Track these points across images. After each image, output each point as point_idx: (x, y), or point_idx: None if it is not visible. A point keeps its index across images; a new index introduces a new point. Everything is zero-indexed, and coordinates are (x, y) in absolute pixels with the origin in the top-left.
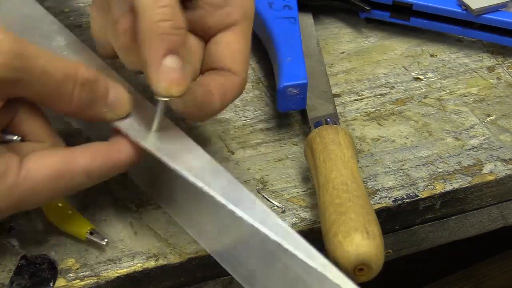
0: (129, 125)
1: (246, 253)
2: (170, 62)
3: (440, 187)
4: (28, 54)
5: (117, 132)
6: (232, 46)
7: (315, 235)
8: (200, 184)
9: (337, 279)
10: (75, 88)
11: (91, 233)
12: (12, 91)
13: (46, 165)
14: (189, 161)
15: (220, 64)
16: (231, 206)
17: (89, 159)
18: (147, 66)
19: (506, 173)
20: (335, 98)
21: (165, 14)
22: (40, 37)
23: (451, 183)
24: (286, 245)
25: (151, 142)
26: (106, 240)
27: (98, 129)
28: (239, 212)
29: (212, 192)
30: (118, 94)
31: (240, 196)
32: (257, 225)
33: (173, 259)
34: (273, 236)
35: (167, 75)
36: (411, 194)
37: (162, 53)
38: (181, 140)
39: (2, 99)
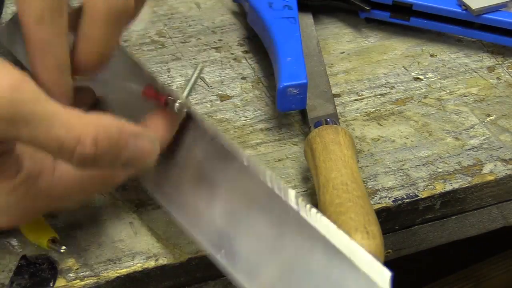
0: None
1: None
2: None
3: (440, 187)
4: (23, 117)
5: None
6: None
7: None
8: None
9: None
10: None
11: (53, 241)
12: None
13: (56, 185)
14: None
15: None
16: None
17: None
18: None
19: (506, 173)
20: (335, 98)
21: None
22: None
23: (451, 183)
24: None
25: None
26: (63, 247)
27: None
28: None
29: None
30: (135, 148)
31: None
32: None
33: (173, 259)
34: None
35: None
36: (411, 194)
37: None
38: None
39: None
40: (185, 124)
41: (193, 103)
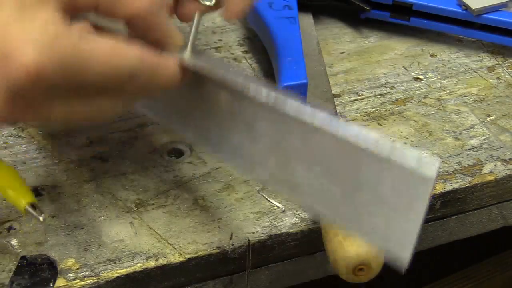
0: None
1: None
2: None
3: (440, 187)
4: (77, 63)
5: None
6: None
7: (315, 235)
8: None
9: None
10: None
11: (32, 206)
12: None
13: (104, 40)
14: (231, 74)
15: None
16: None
17: (141, 49)
18: None
19: (506, 173)
20: (335, 98)
21: None
22: None
23: (451, 183)
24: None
25: (191, 60)
26: (43, 215)
27: None
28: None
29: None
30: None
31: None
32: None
33: (173, 259)
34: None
35: None
36: None
37: None
38: (216, 61)
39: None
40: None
41: None
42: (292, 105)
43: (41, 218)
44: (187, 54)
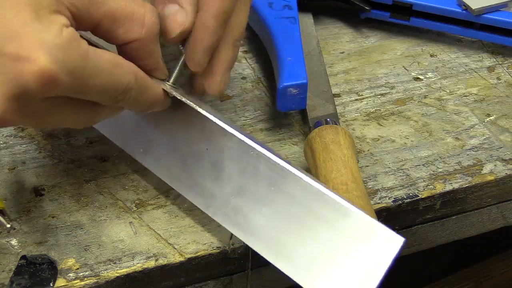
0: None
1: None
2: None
3: (440, 187)
4: (84, 72)
5: None
6: None
7: None
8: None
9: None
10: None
11: (1, 212)
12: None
13: (107, 53)
14: (206, 108)
15: None
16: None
17: (136, 67)
18: None
19: (506, 173)
20: (335, 98)
21: None
22: None
23: (451, 183)
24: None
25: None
26: (10, 224)
27: None
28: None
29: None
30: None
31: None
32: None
33: (173, 259)
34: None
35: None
36: (411, 194)
37: None
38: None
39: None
40: (178, 108)
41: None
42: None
43: (8, 225)
44: (167, 85)
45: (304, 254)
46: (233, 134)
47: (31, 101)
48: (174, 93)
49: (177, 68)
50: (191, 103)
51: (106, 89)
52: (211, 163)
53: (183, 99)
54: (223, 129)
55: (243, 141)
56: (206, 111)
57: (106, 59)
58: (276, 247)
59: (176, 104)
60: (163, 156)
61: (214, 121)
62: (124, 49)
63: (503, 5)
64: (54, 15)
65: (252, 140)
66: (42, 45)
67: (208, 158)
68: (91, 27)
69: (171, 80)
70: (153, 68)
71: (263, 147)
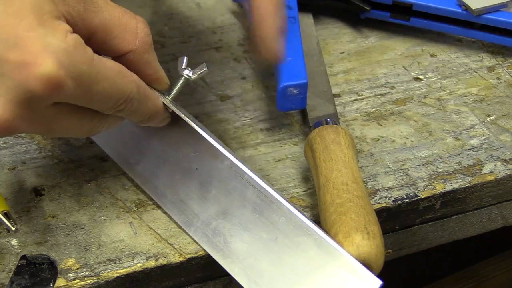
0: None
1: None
2: None
3: (440, 187)
4: (89, 78)
5: None
6: None
7: None
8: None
9: (328, 237)
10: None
11: (5, 214)
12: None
13: (111, 61)
14: (202, 127)
15: None
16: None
17: (138, 77)
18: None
19: (506, 173)
20: (335, 98)
21: None
22: None
23: (451, 183)
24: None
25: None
26: (16, 227)
27: None
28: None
29: (217, 145)
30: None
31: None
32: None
33: (173, 259)
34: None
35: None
36: (411, 194)
37: None
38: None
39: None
40: (174, 124)
41: (192, 103)
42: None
43: (13, 228)
44: (167, 99)
45: (280, 285)
46: (225, 156)
47: (38, 107)
48: (173, 107)
49: (177, 87)
50: (188, 119)
51: (109, 97)
52: (199, 182)
53: (181, 115)
54: (217, 149)
55: (235, 164)
56: (202, 129)
57: (110, 67)
58: (253, 275)
59: (172, 120)
60: (152, 170)
61: (209, 140)
62: (120, 61)
63: (503, 5)
64: (57, 21)
65: (244, 165)
66: (47, 49)
67: (196, 177)
68: (86, 37)
69: (171, 96)
70: (153, 78)
71: (253, 172)
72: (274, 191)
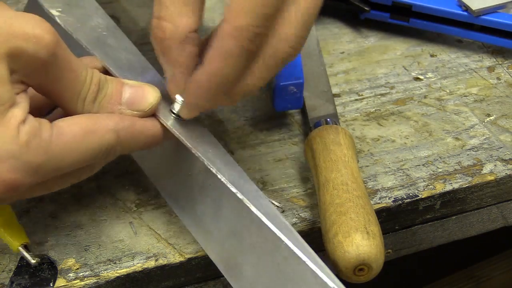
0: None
1: (243, 241)
2: None
3: (440, 187)
4: (63, 45)
5: None
6: None
7: (315, 235)
8: (213, 169)
9: (330, 281)
10: (90, 87)
11: (25, 247)
12: (39, 76)
13: (75, 122)
14: (205, 149)
15: None
16: (239, 195)
17: (116, 119)
18: None
19: (506, 173)
20: (335, 98)
21: None
22: (82, 15)
23: (451, 183)
24: (286, 239)
25: (172, 125)
26: (37, 260)
27: None
28: (245, 201)
29: (223, 178)
30: (134, 91)
31: (248, 189)
32: (260, 215)
33: (173, 259)
34: (273, 227)
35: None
36: (411, 194)
37: None
38: (200, 131)
39: (29, 82)
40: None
41: None
42: (258, 203)
43: (33, 261)
44: (171, 120)
45: None
46: (234, 193)
47: (13, 197)
48: (176, 133)
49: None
50: (191, 144)
51: (83, 161)
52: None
53: (185, 141)
54: (225, 186)
55: (241, 200)
56: (209, 158)
57: (75, 134)
58: None
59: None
60: (173, 185)
61: (217, 175)
62: None
63: (502, 6)
64: (10, 112)
65: (250, 201)
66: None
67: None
68: (41, 94)
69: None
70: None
71: (259, 211)
72: (279, 228)
